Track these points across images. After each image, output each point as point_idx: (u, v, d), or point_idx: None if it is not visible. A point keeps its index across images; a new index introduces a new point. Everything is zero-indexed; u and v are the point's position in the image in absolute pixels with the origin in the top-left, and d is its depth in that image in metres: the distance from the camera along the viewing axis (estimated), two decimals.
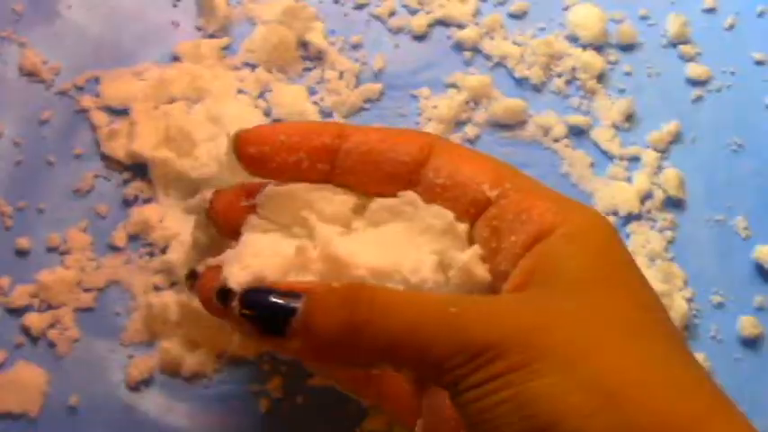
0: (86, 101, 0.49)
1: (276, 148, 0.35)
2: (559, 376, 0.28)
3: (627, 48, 0.52)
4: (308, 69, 0.50)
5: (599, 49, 0.52)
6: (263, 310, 0.31)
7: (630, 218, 0.48)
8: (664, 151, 0.50)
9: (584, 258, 0.31)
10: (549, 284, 0.31)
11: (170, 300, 0.44)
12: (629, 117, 0.50)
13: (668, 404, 0.28)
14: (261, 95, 0.49)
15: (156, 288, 0.45)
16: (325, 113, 0.49)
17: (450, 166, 0.34)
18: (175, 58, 0.50)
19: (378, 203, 0.35)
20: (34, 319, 0.44)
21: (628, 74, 0.52)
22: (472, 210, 0.33)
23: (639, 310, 0.31)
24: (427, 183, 0.34)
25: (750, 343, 0.46)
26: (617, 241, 0.32)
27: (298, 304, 0.30)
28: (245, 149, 0.35)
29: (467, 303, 0.30)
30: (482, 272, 0.33)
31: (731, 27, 0.50)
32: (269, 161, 0.35)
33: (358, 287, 0.30)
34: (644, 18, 0.53)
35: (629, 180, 0.49)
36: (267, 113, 0.48)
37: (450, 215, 0.33)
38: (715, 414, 0.29)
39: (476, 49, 0.52)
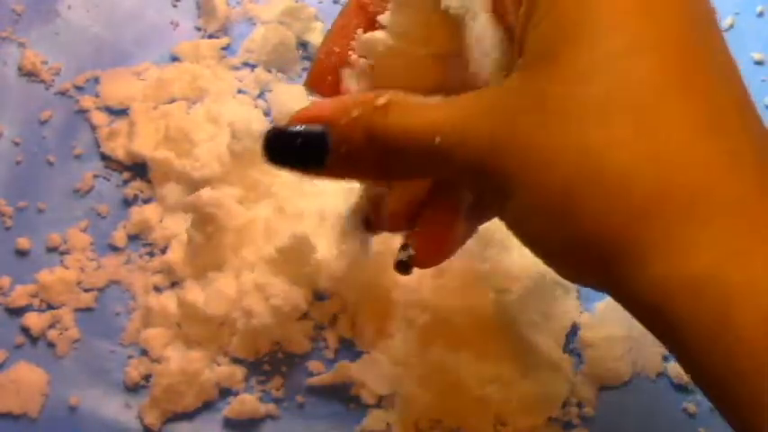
0: (86, 101, 0.49)
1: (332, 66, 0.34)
2: (523, 202, 0.27)
3: None
4: (308, 69, 0.50)
5: None
6: (297, 156, 0.31)
7: None
8: None
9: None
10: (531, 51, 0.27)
11: (170, 300, 0.44)
12: None
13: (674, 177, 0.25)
14: (260, 95, 0.49)
15: (156, 288, 0.45)
16: None
17: None
18: (175, 59, 0.50)
19: None
20: (34, 319, 0.44)
21: None
22: None
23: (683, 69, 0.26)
24: None
25: None
26: None
27: (322, 134, 0.31)
28: (320, 90, 0.35)
29: (453, 127, 0.28)
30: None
31: (731, 27, 0.50)
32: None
33: (369, 102, 0.30)
34: None
35: None
36: (267, 113, 0.48)
37: None
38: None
39: None
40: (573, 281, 0.30)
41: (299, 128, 0.31)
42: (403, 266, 0.34)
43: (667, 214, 0.25)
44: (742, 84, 0.27)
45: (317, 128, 0.31)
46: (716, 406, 0.25)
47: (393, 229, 0.36)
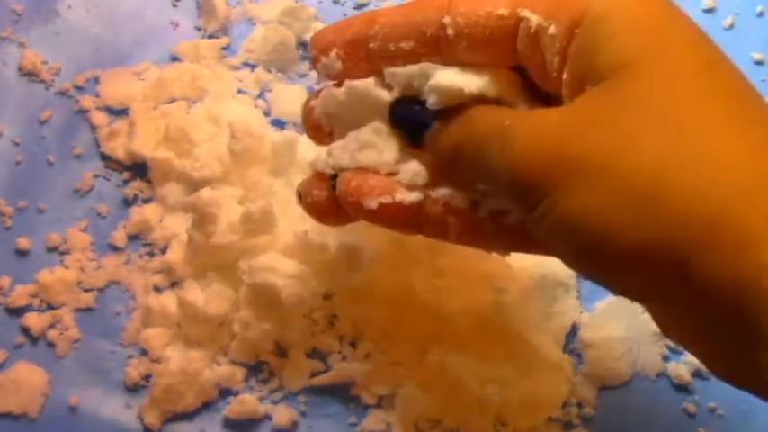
0: (86, 101, 0.49)
1: (322, 47, 0.37)
2: (588, 188, 0.27)
3: None
4: (308, 69, 0.50)
5: None
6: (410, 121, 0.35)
7: None
8: None
9: (623, 37, 0.28)
10: (590, 79, 0.29)
11: (170, 300, 0.44)
12: None
13: (704, 185, 0.26)
14: (260, 95, 0.49)
15: (156, 288, 0.45)
16: None
17: (467, 5, 0.33)
18: (175, 59, 0.50)
19: None
20: (34, 319, 0.44)
21: None
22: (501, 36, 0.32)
23: (700, 78, 0.28)
24: (455, 29, 0.33)
25: None
26: (665, 6, 0.29)
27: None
28: (310, 51, 0.37)
29: (522, 115, 0.31)
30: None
31: (730, 27, 0.50)
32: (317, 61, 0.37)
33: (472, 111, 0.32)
34: None
35: None
36: (267, 113, 0.48)
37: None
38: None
39: None
40: (639, 296, 0.29)
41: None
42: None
43: (750, 216, 0.25)
44: None
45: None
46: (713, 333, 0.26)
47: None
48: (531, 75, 0.32)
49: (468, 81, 0.32)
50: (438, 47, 0.33)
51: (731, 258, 0.25)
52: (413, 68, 0.34)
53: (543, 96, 0.33)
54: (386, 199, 0.35)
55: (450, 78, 0.32)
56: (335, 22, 0.37)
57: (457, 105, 0.33)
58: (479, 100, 0.32)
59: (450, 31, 0.32)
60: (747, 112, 0.28)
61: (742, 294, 0.25)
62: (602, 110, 0.28)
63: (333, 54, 0.36)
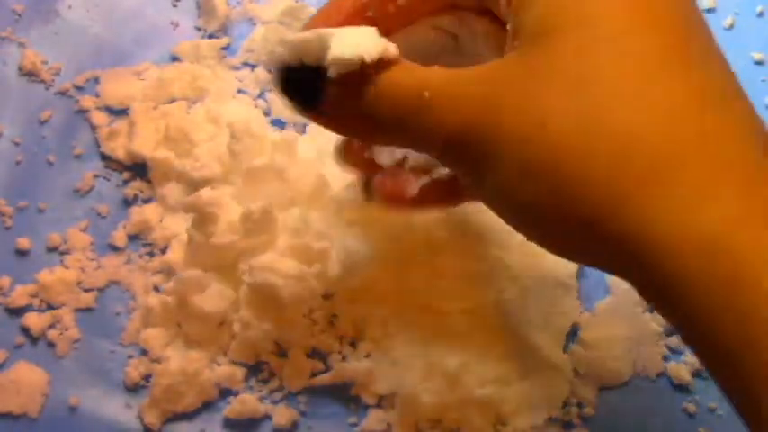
0: (86, 101, 0.49)
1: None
2: (504, 163, 0.27)
3: None
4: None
5: None
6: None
7: None
8: None
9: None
10: (516, 38, 0.28)
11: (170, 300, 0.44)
12: None
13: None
14: (260, 95, 0.49)
15: (156, 288, 0.45)
16: None
17: None
18: (175, 59, 0.50)
19: None
20: (34, 319, 0.44)
21: None
22: None
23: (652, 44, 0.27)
24: None
25: None
26: None
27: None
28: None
29: (441, 86, 0.29)
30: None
31: (731, 27, 0.50)
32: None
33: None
34: None
35: None
36: (267, 113, 0.48)
37: None
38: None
39: None
40: (562, 253, 0.30)
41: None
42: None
43: (677, 175, 0.25)
44: (732, 71, 0.28)
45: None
46: (716, 378, 0.25)
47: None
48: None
49: (368, 47, 0.30)
50: None
51: (644, 230, 0.25)
52: (307, 35, 0.32)
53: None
54: (424, 180, 0.36)
55: (349, 47, 0.30)
56: (323, 8, 0.35)
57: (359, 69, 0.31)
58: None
59: None
60: (662, 78, 0.27)
61: (660, 270, 0.25)
62: (515, 80, 0.28)
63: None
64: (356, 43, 0.30)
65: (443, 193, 0.36)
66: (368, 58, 0.30)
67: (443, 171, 0.36)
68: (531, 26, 0.28)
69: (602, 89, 0.26)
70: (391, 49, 0.30)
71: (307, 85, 0.31)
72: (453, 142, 0.29)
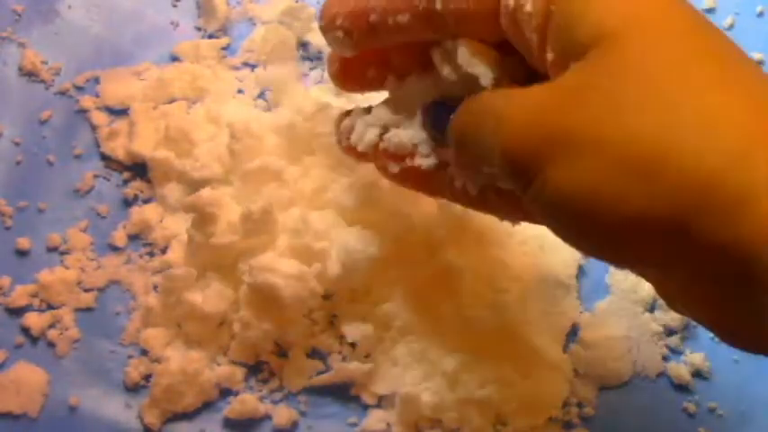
0: (86, 101, 0.49)
1: (327, 18, 0.36)
2: (578, 162, 0.27)
3: None
4: (308, 69, 0.50)
5: None
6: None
7: None
8: None
9: (599, 8, 0.28)
10: (572, 55, 0.28)
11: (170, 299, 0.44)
12: None
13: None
14: (261, 95, 0.49)
15: (156, 288, 0.45)
16: None
17: None
18: (175, 59, 0.50)
19: None
20: (34, 319, 0.44)
21: None
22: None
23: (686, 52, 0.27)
24: (442, 3, 0.33)
25: None
26: None
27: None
28: (320, 21, 0.37)
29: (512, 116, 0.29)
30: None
31: (730, 27, 0.50)
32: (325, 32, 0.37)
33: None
34: None
35: None
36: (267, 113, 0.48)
37: None
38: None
39: None
40: (632, 258, 0.29)
41: None
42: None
43: (756, 176, 0.25)
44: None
45: None
46: None
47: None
48: (521, 52, 0.32)
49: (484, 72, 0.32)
50: (431, 21, 0.33)
51: (730, 217, 0.25)
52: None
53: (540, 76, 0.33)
54: (406, 163, 0.37)
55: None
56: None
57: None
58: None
59: (437, 5, 0.32)
60: (734, 72, 0.27)
61: (744, 252, 0.25)
62: (586, 82, 0.28)
63: (339, 23, 0.36)
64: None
65: (422, 181, 0.37)
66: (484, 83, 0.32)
67: (424, 160, 0.36)
68: (587, 36, 0.28)
69: (679, 82, 0.27)
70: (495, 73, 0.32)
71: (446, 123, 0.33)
72: (516, 145, 0.29)
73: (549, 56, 0.29)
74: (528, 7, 0.30)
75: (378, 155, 0.38)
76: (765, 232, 0.25)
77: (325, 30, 0.36)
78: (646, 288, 0.44)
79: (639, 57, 0.27)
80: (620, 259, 0.29)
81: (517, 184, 0.30)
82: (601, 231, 0.28)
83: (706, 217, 0.25)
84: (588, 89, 0.27)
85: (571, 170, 0.27)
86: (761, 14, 0.51)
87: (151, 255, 0.46)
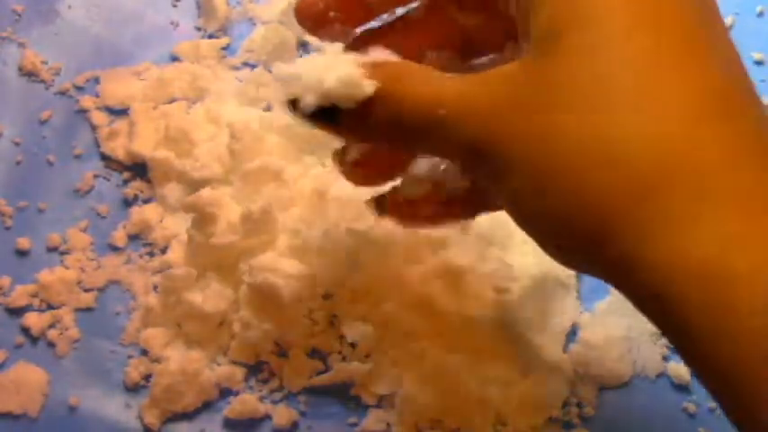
0: (86, 101, 0.49)
1: (316, 16, 0.34)
2: (516, 174, 0.27)
3: None
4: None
5: None
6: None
7: None
8: None
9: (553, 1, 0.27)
10: (524, 44, 0.28)
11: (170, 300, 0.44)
12: None
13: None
14: (260, 96, 0.49)
15: (156, 288, 0.45)
16: None
17: None
18: (175, 59, 0.50)
19: None
20: (34, 319, 0.44)
21: None
22: None
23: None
24: None
25: None
26: None
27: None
28: (302, 23, 0.35)
29: (454, 101, 0.29)
30: None
31: (730, 27, 0.50)
32: (318, 30, 0.35)
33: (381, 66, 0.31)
34: None
35: None
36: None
37: None
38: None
39: None
40: (570, 265, 0.29)
41: None
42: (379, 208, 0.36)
43: (671, 194, 0.25)
44: (742, 67, 0.27)
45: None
46: (715, 397, 0.25)
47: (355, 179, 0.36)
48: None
49: (360, 84, 0.30)
50: None
51: (639, 251, 0.25)
52: (295, 74, 0.32)
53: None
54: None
55: (345, 86, 0.30)
56: None
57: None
58: None
59: None
60: (661, 84, 0.26)
61: (654, 289, 0.25)
62: (525, 87, 0.27)
63: (331, 16, 0.34)
64: (349, 80, 0.30)
65: (457, 210, 0.36)
66: (364, 94, 0.30)
67: (455, 183, 0.35)
68: (538, 30, 0.28)
69: (605, 97, 0.26)
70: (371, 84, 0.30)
71: (321, 110, 0.31)
72: (471, 153, 0.29)
73: (519, 32, 0.29)
74: None
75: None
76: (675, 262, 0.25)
77: (316, 27, 0.35)
78: None
79: (574, 65, 0.26)
80: (558, 260, 0.29)
81: (474, 172, 0.30)
82: (537, 237, 0.29)
83: (614, 245, 0.26)
84: (523, 95, 0.27)
85: (513, 181, 0.27)
86: (761, 14, 0.51)
87: (151, 255, 0.46)
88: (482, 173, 0.29)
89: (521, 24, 0.29)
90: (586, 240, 0.26)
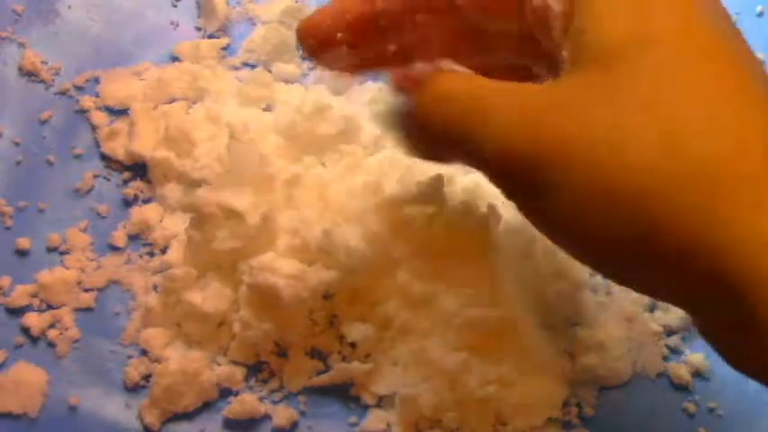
0: (86, 101, 0.49)
1: (323, 37, 0.34)
2: (582, 193, 0.26)
3: None
4: (308, 69, 0.50)
5: None
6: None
7: None
8: None
9: (609, 20, 0.27)
10: (577, 61, 0.28)
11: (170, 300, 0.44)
12: None
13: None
14: (261, 96, 0.49)
15: (156, 288, 0.45)
16: None
17: None
18: (175, 59, 0.50)
19: None
20: (34, 319, 0.44)
21: None
22: None
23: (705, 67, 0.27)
24: None
25: None
26: None
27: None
28: (305, 43, 0.35)
29: (498, 99, 0.29)
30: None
31: None
32: (322, 52, 0.34)
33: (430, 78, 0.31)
34: None
35: None
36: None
37: None
38: None
39: None
40: (632, 286, 0.29)
41: None
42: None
43: (746, 187, 0.25)
44: None
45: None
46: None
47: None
48: (540, 39, 0.31)
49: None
50: (449, 10, 0.32)
51: (724, 258, 0.25)
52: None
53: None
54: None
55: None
56: (320, 9, 0.35)
57: None
58: None
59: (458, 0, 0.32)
60: (739, 104, 0.27)
61: (731, 284, 0.25)
62: (582, 101, 0.27)
63: (338, 38, 0.34)
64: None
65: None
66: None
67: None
68: (595, 48, 0.27)
69: (679, 112, 0.26)
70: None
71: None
72: (508, 161, 0.28)
73: (564, 53, 0.29)
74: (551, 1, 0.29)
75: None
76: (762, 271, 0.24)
77: (320, 51, 0.34)
78: None
79: (636, 82, 0.27)
80: (617, 281, 0.29)
81: (505, 188, 0.29)
82: (590, 258, 0.28)
83: (698, 255, 0.25)
84: (579, 105, 0.27)
85: (566, 189, 0.27)
86: (761, 14, 0.51)
87: (151, 255, 0.46)
88: (520, 184, 0.28)
89: (570, 43, 0.28)
90: (678, 252, 0.26)
